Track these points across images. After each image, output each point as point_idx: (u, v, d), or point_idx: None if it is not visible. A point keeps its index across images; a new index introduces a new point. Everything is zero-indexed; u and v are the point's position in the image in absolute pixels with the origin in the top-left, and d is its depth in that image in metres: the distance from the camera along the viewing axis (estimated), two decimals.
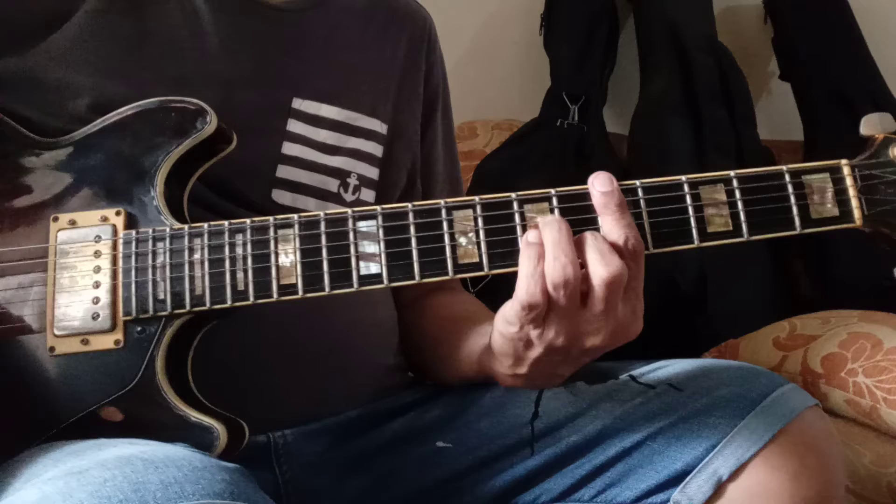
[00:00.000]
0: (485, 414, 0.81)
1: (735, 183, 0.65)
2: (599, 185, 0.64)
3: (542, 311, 0.63)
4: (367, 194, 0.87)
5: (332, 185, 0.84)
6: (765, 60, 2.02)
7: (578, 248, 0.62)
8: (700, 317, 1.56)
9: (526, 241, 0.63)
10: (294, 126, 0.83)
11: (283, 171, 0.82)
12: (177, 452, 0.54)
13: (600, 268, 0.61)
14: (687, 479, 0.72)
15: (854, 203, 0.65)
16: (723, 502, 0.71)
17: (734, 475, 0.70)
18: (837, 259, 1.59)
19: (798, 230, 0.65)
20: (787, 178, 0.65)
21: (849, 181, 0.65)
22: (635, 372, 0.79)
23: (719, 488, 0.71)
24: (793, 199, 0.65)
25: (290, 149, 0.82)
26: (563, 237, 0.61)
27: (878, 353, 1.14)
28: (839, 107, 1.79)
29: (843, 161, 0.66)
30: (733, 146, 1.72)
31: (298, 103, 0.83)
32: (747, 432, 0.71)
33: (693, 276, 1.56)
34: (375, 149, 0.89)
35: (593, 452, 0.76)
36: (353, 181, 0.86)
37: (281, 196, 0.81)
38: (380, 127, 0.89)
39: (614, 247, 0.62)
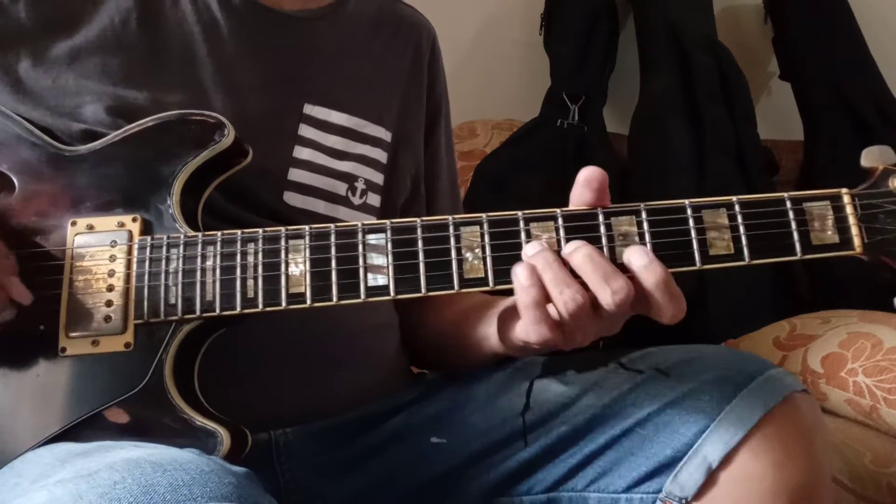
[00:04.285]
0: (478, 408, 0.81)
1: (737, 208, 0.66)
2: (638, 260, 0.64)
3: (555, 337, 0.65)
4: (374, 199, 0.89)
5: (341, 188, 0.86)
6: (765, 60, 2.02)
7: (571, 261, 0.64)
8: (700, 317, 1.56)
9: (521, 284, 0.64)
10: (305, 131, 0.85)
11: (295, 175, 0.83)
12: (184, 456, 0.55)
13: (607, 297, 0.62)
14: (677, 467, 0.72)
15: (854, 231, 0.66)
16: (713, 489, 0.71)
17: (724, 463, 0.70)
18: (836, 259, 1.59)
19: (799, 256, 0.66)
20: (789, 204, 0.66)
21: (849, 209, 0.66)
22: (623, 359, 0.80)
23: (710, 476, 0.71)
24: (794, 225, 0.66)
25: (301, 153, 0.84)
26: (556, 267, 0.63)
27: (878, 352, 1.14)
28: (839, 106, 1.79)
29: (844, 190, 0.67)
30: (733, 146, 1.73)
31: (310, 109, 0.85)
32: (734, 416, 0.71)
33: (693, 276, 1.56)
34: (381, 155, 0.90)
35: (584, 441, 0.76)
36: (360, 185, 0.87)
37: (292, 198, 0.83)
38: (384, 134, 0.91)
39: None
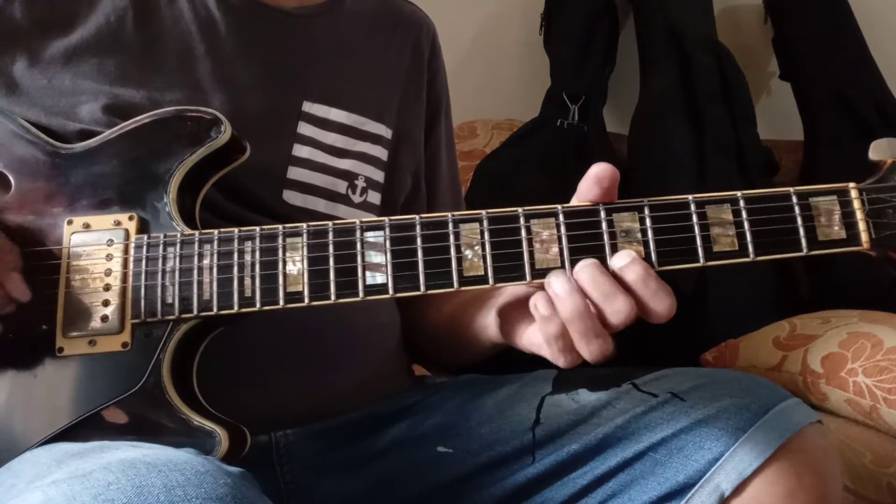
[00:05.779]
0: (486, 420, 0.81)
1: (742, 203, 0.65)
2: (619, 261, 0.63)
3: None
4: (374, 196, 0.89)
5: (341, 186, 0.86)
6: (765, 60, 2.02)
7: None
8: (700, 317, 1.56)
9: (540, 315, 0.63)
10: (304, 129, 0.84)
11: (294, 173, 0.83)
12: (180, 457, 0.54)
13: (615, 319, 0.62)
14: (689, 494, 0.71)
15: (861, 226, 0.64)
16: None
17: (736, 491, 0.70)
18: (837, 259, 1.59)
19: (805, 252, 0.64)
20: (795, 199, 0.65)
21: (856, 204, 0.65)
22: (638, 380, 0.79)
23: None
24: (800, 220, 0.64)
25: (300, 151, 0.84)
26: (581, 307, 0.62)
27: (878, 352, 1.14)
28: (839, 106, 1.79)
29: (851, 184, 0.65)
30: (733, 146, 1.73)
31: (308, 106, 0.85)
32: (749, 446, 0.70)
33: (693, 275, 1.57)
34: (381, 153, 0.90)
35: (595, 461, 0.75)
36: (360, 183, 0.87)
37: (292, 197, 0.83)
38: (385, 132, 0.91)
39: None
